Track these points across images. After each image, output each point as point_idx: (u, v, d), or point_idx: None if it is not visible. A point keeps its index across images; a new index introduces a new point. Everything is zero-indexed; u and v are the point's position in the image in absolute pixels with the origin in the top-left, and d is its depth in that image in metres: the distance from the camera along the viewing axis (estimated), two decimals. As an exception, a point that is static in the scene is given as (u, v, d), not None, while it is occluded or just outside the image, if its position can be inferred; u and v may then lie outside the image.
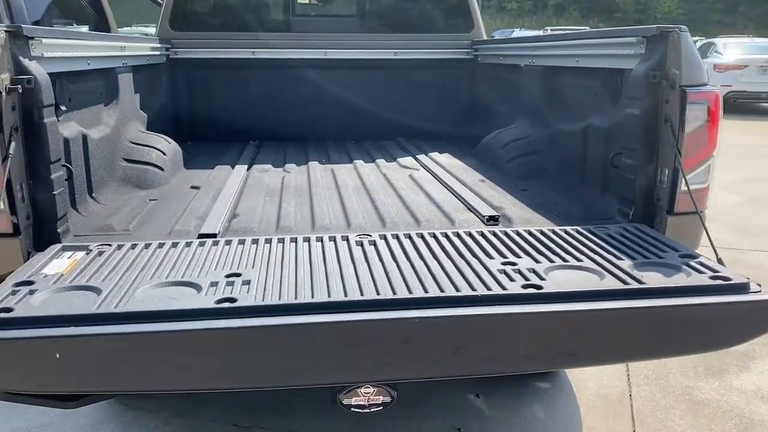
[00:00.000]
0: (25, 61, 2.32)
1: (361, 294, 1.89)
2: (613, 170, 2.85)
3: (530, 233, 2.47)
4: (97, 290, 1.94)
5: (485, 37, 5.18)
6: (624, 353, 2.07)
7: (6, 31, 2.26)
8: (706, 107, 2.51)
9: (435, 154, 4.30)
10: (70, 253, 2.28)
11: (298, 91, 4.98)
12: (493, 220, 2.80)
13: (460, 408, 3.43)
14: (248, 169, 3.85)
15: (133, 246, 2.33)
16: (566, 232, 2.50)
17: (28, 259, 2.34)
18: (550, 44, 3.67)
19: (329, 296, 1.87)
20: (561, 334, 1.89)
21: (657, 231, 2.54)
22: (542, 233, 2.48)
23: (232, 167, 3.87)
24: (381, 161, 4.12)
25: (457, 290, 1.92)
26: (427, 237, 2.42)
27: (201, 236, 2.55)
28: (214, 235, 2.55)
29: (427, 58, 5.01)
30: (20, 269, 2.10)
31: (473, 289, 1.92)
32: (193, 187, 3.39)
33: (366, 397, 2.29)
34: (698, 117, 2.51)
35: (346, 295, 1.88)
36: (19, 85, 2.26)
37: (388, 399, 2.35)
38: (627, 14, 53.03)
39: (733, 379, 3.73)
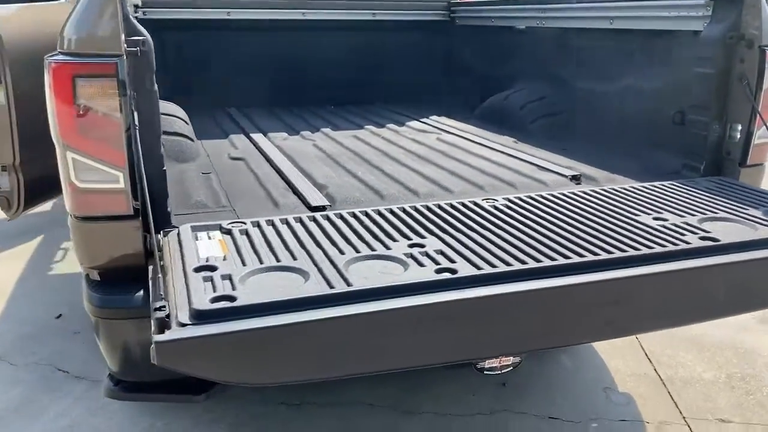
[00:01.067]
0: (135, 22, 2.07)
1: (568, 257, 1.88)
2: (676, 127, 2.99)
3: (640, 190, 2.55)
4: (296, 270, 1.79)
5: None
6: None
7: None
8: None
9: (438, 118, 4.29)
10: (203, 233, 2.08)
11: (276, 55, 4.76)
12: (575, 179, 2.85)
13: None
14: (266, 137, 3.65)
15: (269, 222, 2.17)
16: (669, 188, 2.61)
17: (146, 242, 2.11)
18: (576, 6, 3.72)
19: (539, 261, 1.85)
20: (745, 283, 1.99)
21: (744, 182, 2.71)
22: (650, 190, 2.56)
23: (247, 136, 3.65)
24: (392, 126, 4.05)
25: (648, 247, 1.96)
26: (554, 198, 2.44)
27: (314, 209, 2.41)
28: (323, 208, 2.42)
29: (406, 19, 4.95)
30: (183, 254, 1.89)
31: (662, 245, 1.97)
32: (235, 159, 3.18)
33: (499, 359, 2.31)
34: None
35: (554, 259, 1.86)
36: (137, 48, 2.02)
37: (517, 360, 2.38)
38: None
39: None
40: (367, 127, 4.01)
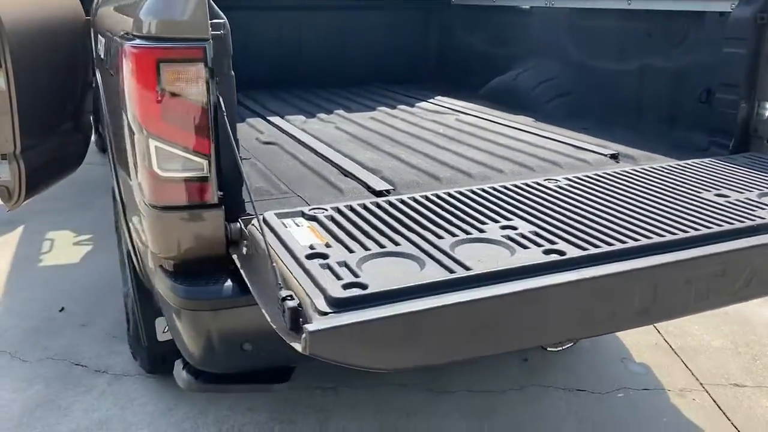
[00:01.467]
0: (213, 4, 2.00)
1: (659, 235, 1.93)
2: (701, 106, 3.09)
3: (685, 168, 2.63)
4: (406, 255, 1.79)
5: None
6: None
7: None
8: None
9: (445, 99, 4.30)
10: (289, 220, 2.05)
11: (271, 36, 4.67)
12: (614, 158, 2.92)
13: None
14: (284, 120, 3.60)
15: (350, 208, 2.15)
16: (711, 165, 2.70)
17: (227, 232, 2.07)
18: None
19: (637, 240, 1.89)
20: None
21: None
22: (694, 167, 2.65)
23: (264, 119, 3.60)
24: (404, 107, 4.04)
25: (739, 221, 2.02)
26: (612, 177, 2.49)
27: (378, 193, 2.40)
28: (387, 192, 2.42)
29: None
30: (285, 242, 1.85)
31: (749, 219, 2.04)
32: (267, 143, 3.13)
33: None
34: None
35: (648, 237, 1.91)
36: (220, 31, 1.96)
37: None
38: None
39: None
40: (380, 108, 3.99)
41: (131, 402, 3.22)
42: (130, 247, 2.76)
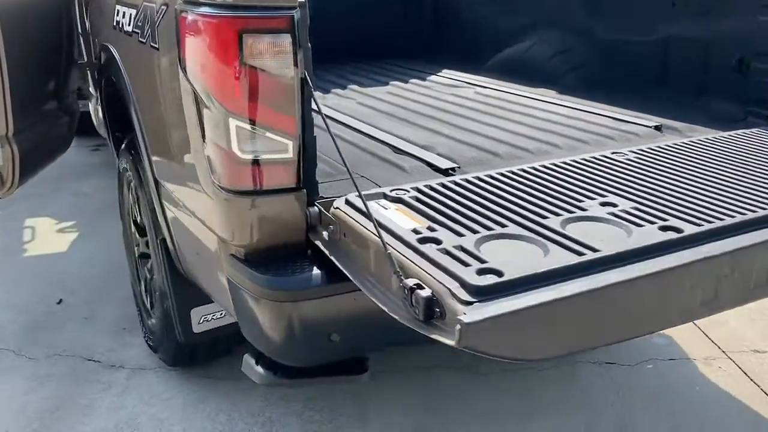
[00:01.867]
0: None
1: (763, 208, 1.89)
2: (734, 75, 3.07)
3: (736, 139, 2.60)
4: (518, 236, 1.70)
5: None
6: None
7: None
8: None
9: (453, 72, 4.19)
10: (372, 203, 1.92)
11: None
12: (658, 129, 2.88)
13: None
14: None
15: (430, 188, 2.04)
16: (761, 135, 2.68)
17: (307, 217, 1.94)
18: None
19: (744, 214, 1.84)
20: None
21: None
22: (746, 138, 2.62)
23: None
24: (416, 81, 3.92)
25: None
26: (678, 149, 2.44)
27: (444, 172, 2.29)
28: (453, 170, 2.31)
29: None
30: (386, 226, 1.73)
31: None
32: None
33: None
34: None
35: (746, 212, 1.86)
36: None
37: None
38: None
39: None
40: (392, 83, 3.85)
41: (156, 397, 3.05)
42: (165, 235, 2.59)
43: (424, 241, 1.66)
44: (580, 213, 1.85)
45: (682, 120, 2.98)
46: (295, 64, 1.77)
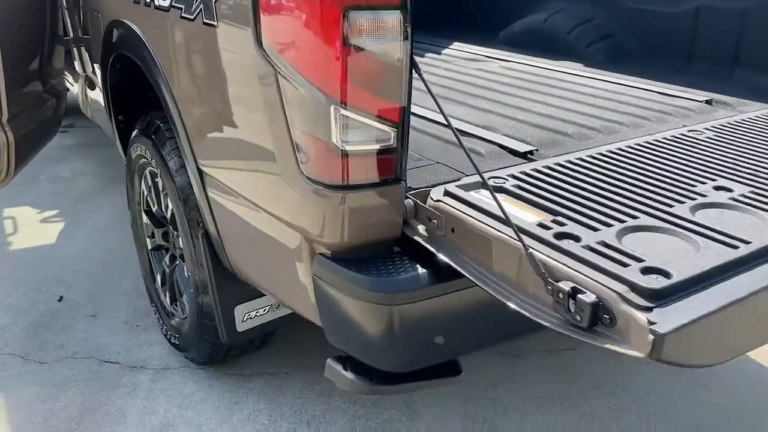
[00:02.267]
0: None
1: None
2: None
3: None
4: (661, 229, 1.58)
5: None
6: None
7: None
8: None
9: (466, 45, 4.01)
10: (472, 193, 1.77)
11: None
12: (709, 104, 2.80)
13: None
14: None
15: (525, 174, 1.89)
16: None
17: (405, 211, 1.77)
18: None
19: None
20: None
21: None
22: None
23: None
24: (432, 54, 3.74)
25: None
26: (751, 125, 2.36)
27: (523, 155, 2.14)
28: (531, 153, 2.17)
29: None
30: (512, 220, 1.58)
31: None
32: None
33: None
34: None
35: None
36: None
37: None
38: None
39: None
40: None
41: (188, 399, 2.86)
42: (210, 228, 2.38)
43: (560, 236, 1.52)
44: (702, 200, 1.74)
45: (729, 93, 2.90)
46: (404, 45, 1.58)
